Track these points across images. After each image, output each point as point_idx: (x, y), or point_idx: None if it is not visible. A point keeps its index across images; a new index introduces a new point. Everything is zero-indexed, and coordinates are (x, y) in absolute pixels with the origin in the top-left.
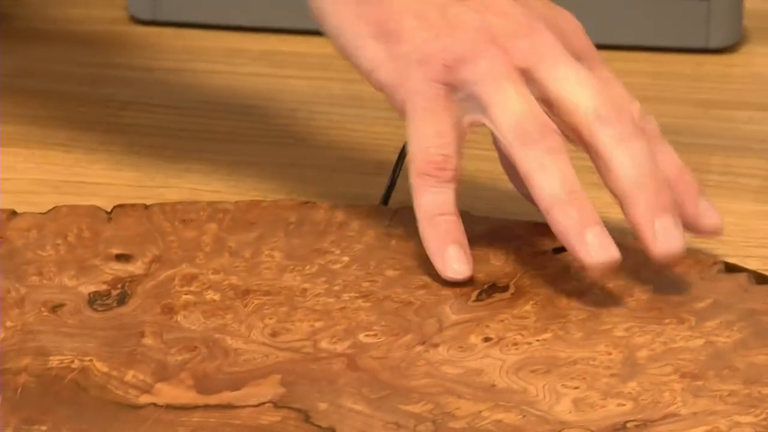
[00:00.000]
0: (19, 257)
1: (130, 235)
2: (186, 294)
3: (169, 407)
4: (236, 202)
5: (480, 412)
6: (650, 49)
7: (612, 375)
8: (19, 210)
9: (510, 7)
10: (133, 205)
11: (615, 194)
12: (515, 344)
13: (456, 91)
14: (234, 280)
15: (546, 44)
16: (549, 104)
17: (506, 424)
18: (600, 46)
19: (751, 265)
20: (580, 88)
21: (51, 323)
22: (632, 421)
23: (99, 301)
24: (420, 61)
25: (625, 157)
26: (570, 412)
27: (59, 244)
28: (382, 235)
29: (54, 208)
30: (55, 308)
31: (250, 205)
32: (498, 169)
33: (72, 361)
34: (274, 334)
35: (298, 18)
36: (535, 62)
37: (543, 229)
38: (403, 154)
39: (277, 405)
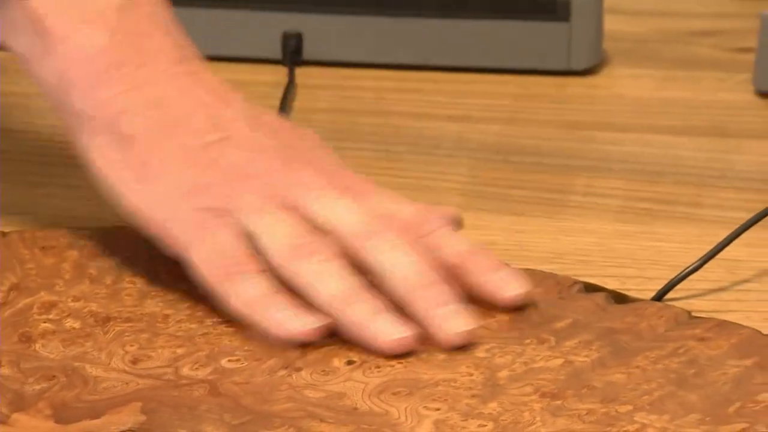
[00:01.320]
0: None
1: None
2: (45, 322)
3: None
4: (99, 228)
5: None
6: (514, 71)
7: (473, 396)
8: None
9: (269, 141)
10: None
11: (397, 301)
12: (378, 367)
13: (232, 215)
14: (94, 307)
15: (308, 179)
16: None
17: None
18: (465, 69)
19: (611, 284)
20: (346, 213)
21: None
22: None
23: None
24: (182, 196)
25: (393, 266)
26: None
27: None
28: None
29: None
30: None
31: (114, 230)
32: None
33: None
34: (134, 361)
35: None
36: (299, 197)
37: None
38: None
39: None
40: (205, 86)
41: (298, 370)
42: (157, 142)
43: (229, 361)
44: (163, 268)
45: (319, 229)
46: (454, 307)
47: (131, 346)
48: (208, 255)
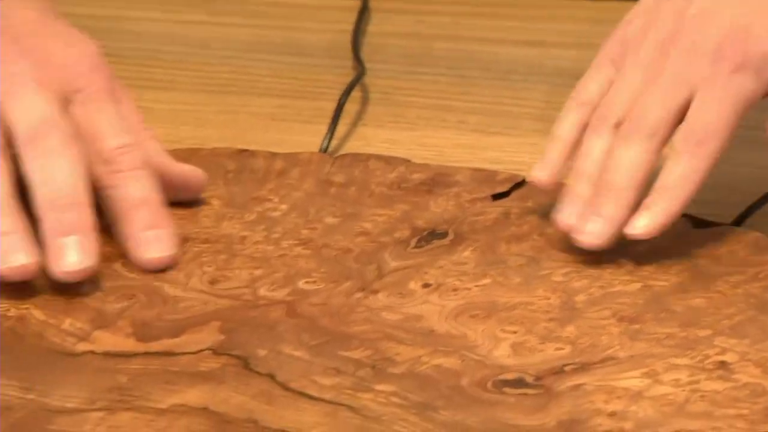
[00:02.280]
0: None
1: None
2: None
3: (108, 354)
4: (174, 150)
5: (419, 357)
6: None
7: (550, 319)
8: None
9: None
10: None
11: (36, 216)
12: (454, 290)
13: None
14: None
15: (15, 73)
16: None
17: (445, 368)
18: None
19: (690, 209)
20: (24, 113)
21: None
22: (570, 364)
23: None
24: None
25: (39, 175)
26: (509, 357)
27: None
28: (322, 182)
29: None
30: None
31: (188, 153)
32: (438, 115)
33: (8, 310)
34: (213, 282)
35: None
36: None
37: (482, 175)
38: (342, 102)
39: (216, 352)
40: None
41: (375, 292)
42: None
43: (305, 282)
44: (239, 190)
45: (5, 128)
46: (78, 238)
47: (209, 266)
48: None
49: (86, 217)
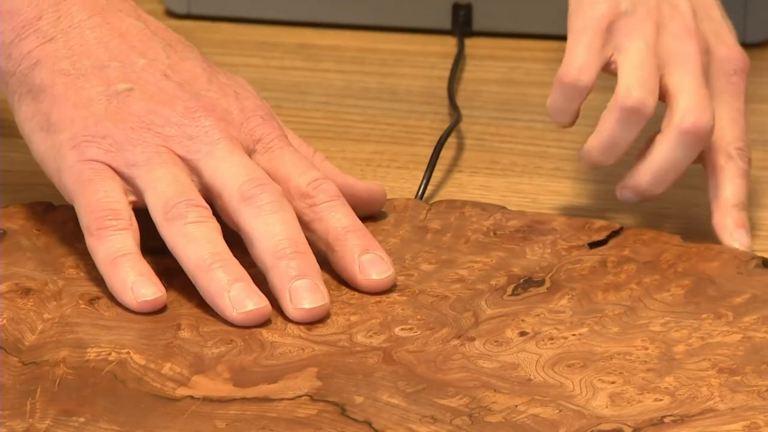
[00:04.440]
0: (56, 250)
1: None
2: None
3: (206, 400)
4: None
5: (516, 406)
6: None
7: (649, 370)
8: (56, 203)
9: (177, 92)
10: None
11: (261, 268)
12: (551, 339)
13: (118, 168)
14: None
15: (204, 130)
16: (208, 192)
17: (543, 418)
18: None
19: None
20: (230, 172)
21: (88, 315)
22: (670, 416)
23: None
24: (74, 147)
25: (262, 230)
26: (607, 407)
27: None
28: (418, 228)
29: None
30: (92, 301)
31: None
32: (533, 162)
33: (109, 354)
34: (309, 328)
35: (332, 11)
36: (191, 150)
37: (579, 222)
38: (438, 148)
39: (313, 398)
40: (124, 35)
41: (471, 339)
42: (63, 93)
43: (402, 329)
44: None
45: (205, 186)
46: (310, 281)
47: None
48: (88, 206)
49: (313, 262)
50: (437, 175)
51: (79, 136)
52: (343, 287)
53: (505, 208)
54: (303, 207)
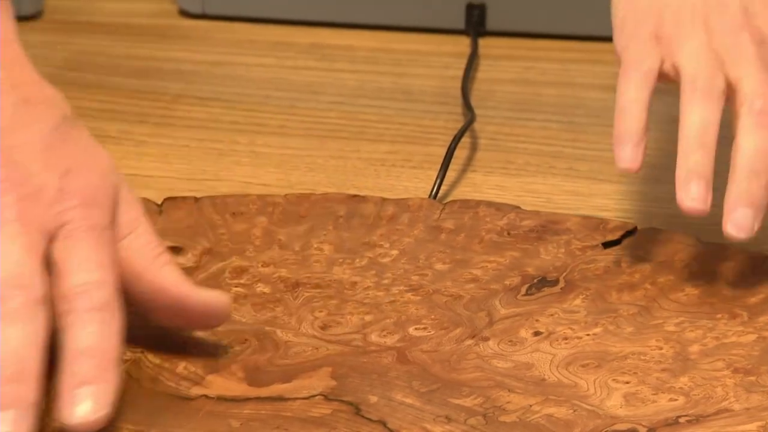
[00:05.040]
0: None
1: (181, 227)
2: (236, 287)
3: (221, 399)
4: (286, 195)
5: (531, 406)
6: None
7: (663, 370)
8: None
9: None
10: (183, 198)
11: None
12: (565, 338)
13: None
14: (284, 272)
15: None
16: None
17: (557, 418)
18: None
19: None
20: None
21: None
22: (684, 416)
23: None
24: None
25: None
26: (621, 407)
27: None
28: (432, 228)
29: None
30: None
31: (299, 198)
32: (547, 162)
33: (124, 353)
34: (324, 327)
35: (346, 11)
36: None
37: (593, 222)
38: (452, 148)
39: (327, 398)
40: None
41: (485, 339)
42: None
43: (416, 329)
44: (349, 235)
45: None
46: (13, 415)
47: (320, 312)
48: None
49: (29, 392)
50: (451, 174)
51: None
52: (357, 286)
53: (519, 207)
54: (60, 312)
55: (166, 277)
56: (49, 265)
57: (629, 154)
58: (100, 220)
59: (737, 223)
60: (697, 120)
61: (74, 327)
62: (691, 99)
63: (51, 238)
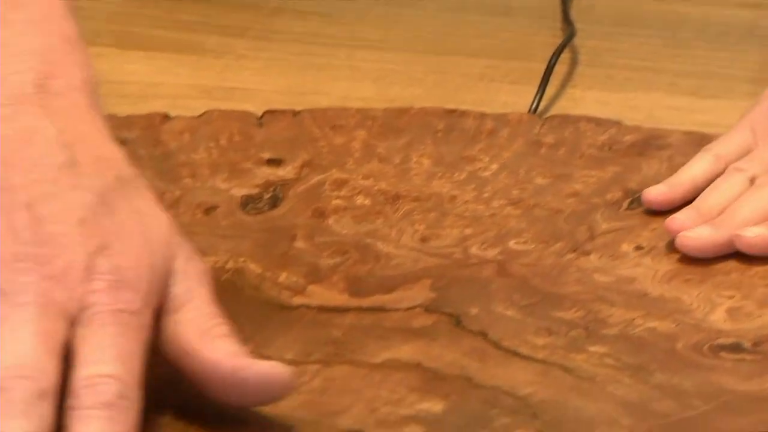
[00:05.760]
0: (173, 159)
1: (281, 139)
2: (336, 198)
3: (322, 309)
4: (385, 108)
5: (633, 319)
6: None
7: None
8: (172, 114)
9: (22, 231)
10: (283, 111)
11: None
12: (667, 253)
13: None
14: (383, 185)
15: (17, 287)
16: None
17: (659, 331)
18: None
19: None
20: (5, 348)
21: (205, 225)
22: None
23: (251, 204)
24: None
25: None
26: (725, 321)
27: (212, 148)
28: (532, 143)
29: (206, 112)
30: (209, 210)
31: (398, 112)
32: (648, 78)
33: (227, 262)
34: (424, 240)
35: None
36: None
37: (695, 137)
38: (552, 63)
39: (428, 309)
40: (25, 141)
41: (587, 253)
42: None
43: (516, 242)
44: (448, 149)
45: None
46: None
47: (420, 224)
48: None
49: None
50: (551, 90)
51: None
52: (457, 199)
53: (620, 122)
54: (66, 407)
55: (220, 350)
56: (68, 353)
57: (657, 195)
58: (129, 305)
59: None
60: None
61: (77, 425)
62: None
63: (73, 323)
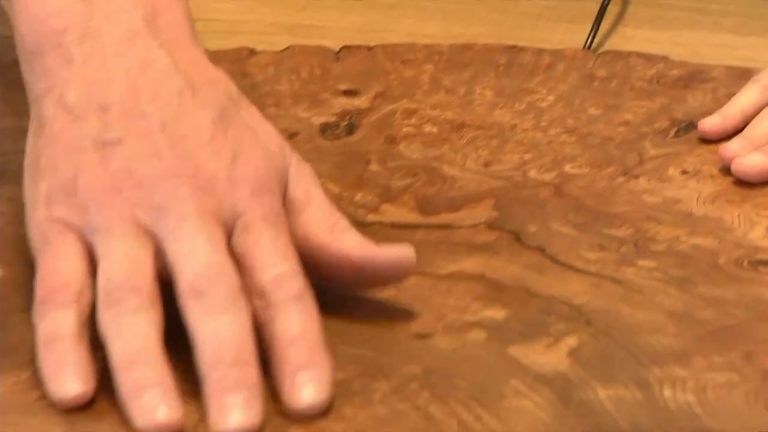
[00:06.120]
0: (259, 90)
1: (356, 72)
2: (407, 126)
3: (395, 225)
4: (450, 45)
5: (678, 236)
6: None
7: None
8: (257, 49)
9: (164, 150)
10: (358, 47)
11: (199, 376)
12: (711, 177)
13: (82, 232)
14: (450, 115)
15: (175, 201)
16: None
17: (703, 248)
18: None
19: None
20: (188, 257)
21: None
22: None
23: (329, 131)
24: (47, 203)
25: (204, 334)
26: (764, 238)
27: (293, 80)
28: (586, 77)
29: (288, 47)
30: (291, 136)
31: (463, 48)
32: (694, 17)
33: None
34: (486, 164)
35: None
36: (157, 224)
37: (738, 71)
38: (606, 2)
39: (490, 226)
40: (145, 69)
41: (636, 177)
42: (59, 133)
43: (571, 167)
44: (509, 82)
45: (169, 265)
46: (242, 397)
47: (483, 150)
48: (41, 272)
49: (252, 375)
50: (604, 28)
51: (54, 191)
52: (517, 128)
53: (667, 58)
54: (258, 306)
55: (349, 244)
56: (233, 258)
57: (712, 125)
58: (273, 207)
59: None
60: None
61: (277, 319)
62: None
63: (228, 230)
